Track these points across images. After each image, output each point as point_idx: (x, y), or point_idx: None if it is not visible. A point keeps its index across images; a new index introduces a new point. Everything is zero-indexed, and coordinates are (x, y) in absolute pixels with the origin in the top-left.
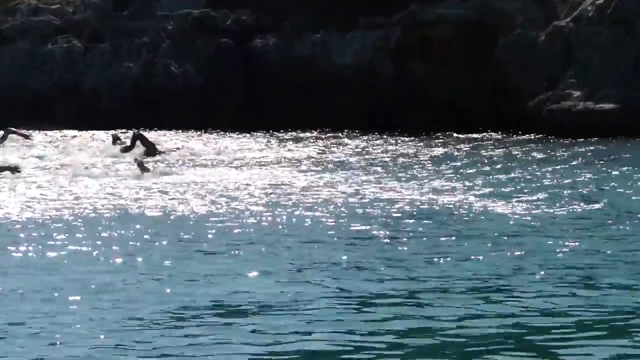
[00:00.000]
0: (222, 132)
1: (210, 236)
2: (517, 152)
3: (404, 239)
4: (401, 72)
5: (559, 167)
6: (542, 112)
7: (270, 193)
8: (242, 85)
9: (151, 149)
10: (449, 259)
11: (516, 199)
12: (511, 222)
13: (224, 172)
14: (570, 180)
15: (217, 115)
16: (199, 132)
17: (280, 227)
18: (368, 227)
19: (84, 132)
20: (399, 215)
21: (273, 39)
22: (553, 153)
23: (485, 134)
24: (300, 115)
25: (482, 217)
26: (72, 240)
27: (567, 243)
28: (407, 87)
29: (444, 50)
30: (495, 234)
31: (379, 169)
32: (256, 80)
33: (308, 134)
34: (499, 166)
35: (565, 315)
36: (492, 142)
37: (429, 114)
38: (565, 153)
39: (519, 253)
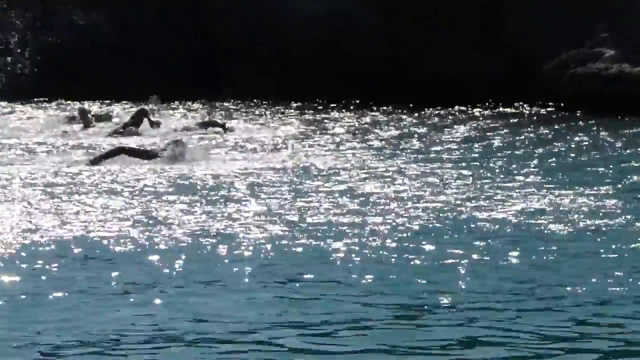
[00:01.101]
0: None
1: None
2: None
3: None
4: (389, 29)
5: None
6: (564, 77)
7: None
8: (184, 44)
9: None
10: None
11: None
12: None
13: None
14: None
15: (150, 84)
16: (129, 105)
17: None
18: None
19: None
20: None
21: None
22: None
23: (489, 109)
24: (258, 85)
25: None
26: None
27: None
28: (398, 50)
29: None
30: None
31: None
32: (203, 38)
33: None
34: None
35: None
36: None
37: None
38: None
39: None
